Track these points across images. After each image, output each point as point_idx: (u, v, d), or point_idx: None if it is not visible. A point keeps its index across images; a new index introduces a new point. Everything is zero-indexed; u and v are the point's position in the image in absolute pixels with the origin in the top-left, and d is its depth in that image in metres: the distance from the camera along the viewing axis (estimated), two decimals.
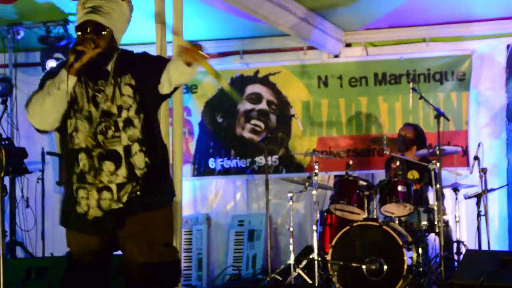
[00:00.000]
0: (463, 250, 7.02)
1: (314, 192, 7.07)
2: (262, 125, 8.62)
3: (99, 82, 3.63)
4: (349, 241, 6.60)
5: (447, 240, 7.06)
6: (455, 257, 7.06)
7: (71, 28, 7.64)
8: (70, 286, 3.75)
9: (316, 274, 6.79)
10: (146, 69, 3.65)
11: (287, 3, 7.09)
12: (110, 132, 3.59)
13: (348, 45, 8.57)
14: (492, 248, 7.08)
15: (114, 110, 3.60)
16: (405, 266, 6.39)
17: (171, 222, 3.81)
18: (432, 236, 7.13)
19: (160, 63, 3.65)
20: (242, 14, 7.09)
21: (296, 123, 8.04)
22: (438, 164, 6.80)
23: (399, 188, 6.78)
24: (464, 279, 5.54)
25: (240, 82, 8.67)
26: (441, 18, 8.05)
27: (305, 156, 8.04)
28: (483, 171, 6.92)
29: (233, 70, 8.71)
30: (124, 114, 3.60)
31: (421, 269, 6.64)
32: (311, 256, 6.99)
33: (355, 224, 6.63)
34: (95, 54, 3.55)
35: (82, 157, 3.63)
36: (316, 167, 7.10)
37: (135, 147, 3.61)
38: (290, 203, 7.42)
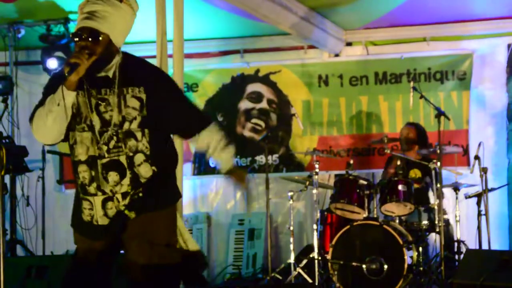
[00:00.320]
0: (463, 249, 7.02)
1: (314, 191, 7.07)
2: (263, 124, 8.62)
3: (102, 91, 3.60)
4: (350, 241, 6.60)
5: (448, 239, 7.06)
6: (456, 256, 7.06)
7: (72, 26, 7.64)
8: (72, 283, 3.75)
9: (316, 273, 6.79)
10: (164, 99, 3.65)
11: (288, 2, 7.10)
12: (112, 142, 3.57)
13: (349, 44, 8.57)
14: (493, 247, 7.07)
15: (117, 120, 3.57)
16: (406, 266, 6.39)
17: (173, 223, 3.78)
18: (432, 235, 7.13)
19: (180, 101, 3.73)
20: (243, 13, 7.09)
21: (297, 122, 8.04)
22: (438, 164, 6.80)
23: (400, 187, 6.78)
24: (465, 278, 5.54)
25: (240, 81, 8.68)
26: (442, 17, 8.05)
27: (305, 155, 8.04)
28: (484, 170, 6.91)
29: (234, 69, 8.71)
30: (126, 125, 3.57)
31: (421, 268, 6.64)
32: (311, 255, 6.99)
33: (355, 224, 6.63)
34: (92, 62, 3.52)
35: (81, 169, 3.62)
36: (317, 166, 7.10)
37: (139, 157, 3.60)
38: (291, 202, 7.42)
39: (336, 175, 8.04)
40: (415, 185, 6.93)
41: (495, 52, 8.10)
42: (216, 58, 8.80)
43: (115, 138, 3.57)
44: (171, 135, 3.81)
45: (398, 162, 6.98)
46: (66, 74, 3.46)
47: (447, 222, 7.23)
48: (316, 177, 7.07)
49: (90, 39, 3.54)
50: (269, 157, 8.31)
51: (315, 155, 7.32)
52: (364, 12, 7.82)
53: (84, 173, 3.61)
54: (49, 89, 3.63)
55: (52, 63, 7.62)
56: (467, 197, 7.19)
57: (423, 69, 8.23)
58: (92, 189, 3.60)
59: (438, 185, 6.79)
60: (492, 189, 7.20)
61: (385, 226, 6.51)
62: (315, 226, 7.01)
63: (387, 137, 7.21)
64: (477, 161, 6.89)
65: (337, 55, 8.57)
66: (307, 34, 7.79)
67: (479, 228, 7.02)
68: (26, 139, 7.89)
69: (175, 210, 3.81)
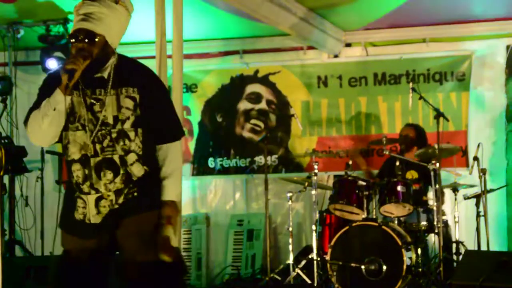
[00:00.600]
0: (462, 250, 7.02)
1: (313, 192, 7.07)
2: (262, 125, 8.62)
3: (97, 91, 3.64)
4: (348, 241, 6.60)
5: (446, 240, 7.06)
6: (454, 257, 7.06)
7: (71, 26, 7.62)
8: (64, 283, 3.75)
9: (315, 274, 6.79)
10: (153, 98, 3.68)
11: (287, 3, 7.10)
12: (106, 141, 3.61)
13: (348, 45, 8.57)
14: (491, 248, 7.07)
15: (110, 120, 3.61)
16: (404, 267, 6.39)
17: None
18: (431, 236, 7.13)
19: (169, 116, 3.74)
20: (242, 13, 7.09)
21: (296, 123, 8.05)
22: (437, 164, 6.80)
23: (399, 188, 6.78)
24: (463, 279, 5.54)
25: (240, 81, 8.68)
26: (441, 19, 8.05)
27: (304, 156, 8.04)
28: (483, 171, 6.92)
29: (233, 70, 8.71)
30: (119, 125, 3.61)
31: (420, 269, 6.64)
32: (310, 256, 6.99)
33: (354, 224, 6.63)
34: (89, 63, 3.56)
35: (75, 168, 3.65)
36: (316, 167, 7.10)
37: (131, 157, 3.63)
38: (290, 202, 7.42)
39: (335, 176, 8.05)
40: (414, 186, 6.93)
41: (494, 53, 8.10)
42: (215, 59, 8.80)
43: (108, 137, 3.60)
44: None
45: (397, 163, 6.98)
46: (67, 81, 3.50)
47: (446, 223, 7.23)
48: (315, 178, 7.08)
49: (86, 40, 3.59)
50: (268, 158, 8.31)
51: (314, 156, 7.32)
52: (364, 13, 7.82)
53: (77, 171, 3.64)
54: (44, 91, 3.68)
55: (51, 64, 7.62)
56: (466, 198, 7.20)
57: (422, 70, 8.23)
58: (85, 187, 3.62)
59: (437, 186, 6.79)
60: (491, 190, 7.21)
61: (384, 227, 6.51)
62: (314, 227, 7.01)
63: (386, 138, 7.21)
64: (476, 162, 6.90)
65: (336, 56, 8.57)
66: (307, 35, 7.79)
67: (478, 229, 7.02)
68: (25, 140, 7.87)
69: None
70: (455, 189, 7.19)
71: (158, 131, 3.71)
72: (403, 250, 6.41)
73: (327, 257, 6.61)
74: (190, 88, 8.76)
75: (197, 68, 8.70)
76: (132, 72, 3.69)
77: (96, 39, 3.59)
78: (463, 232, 7.55)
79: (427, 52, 8.28)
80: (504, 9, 7.73)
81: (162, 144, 3.72)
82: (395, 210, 6.85)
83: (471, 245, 7.12)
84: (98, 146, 3.60)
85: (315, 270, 6.79)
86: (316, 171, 7.09)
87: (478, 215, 7.03)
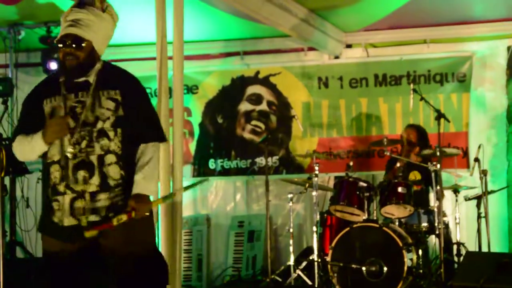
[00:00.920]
0: (463, 252, 7.01)
1: (314, 193, 7.07)
2: (263, 126, 8.62)
3: (79, 94, 3.75)
4: (349, 243, 6.60)
5: (447, 241, 7.06)
6: (455, 259, 7.05)
7: None
8: (52, 284, 3.78)
9: (316, 275, 6.79)
10: (135, 102, 3.79)
11: (288, 4, 7.10)
12: (84, 142, 3.69)
13: (349, 46, 8.57)
14: (492, 250, 7.07)
15: (91, 120, 3.71)
16: (405, 268, 6.39)
17: (152, 228, 3.93)
18: (432, 237, 7.13)
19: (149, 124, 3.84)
20: (243, 15, 7.09)
21: (297, 124, 8.05)
22: (438, 166, 6.79)
23: (399, 189, 6.78)
24: (464, 281, 5.54)
25: (240, 82, 8.68)
26: (442, 19, 8.05)
27: (305, 157, 8.04)
28: (484, 172, 6.92)
29: (234, 71, 8.71)
30: (100, 124, 3.70)
31: (421, 270, 6.64)
32: (311, 257, 6.98)
33: (355, 226, 6.63)
34: (74, 68, 3.70)
35: (54, 169, 3.74)
36: (316, 168, 7.09)
37: (110, 158, 3.70)
38: (290, 204, 7.42)
39: (336, 177, 8.05)
40: (415, 187, 6.92)
41: (495, 54, 8.10)
42: (216, 60, 8.80)
43: (87, 138, 3.69)
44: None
45: (398, 164, 6.98)
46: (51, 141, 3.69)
47: (446, 224, 7.22)
48: (316, 179, 7.07)
49: (74, 45, 3.71)
50: (269, 159, 8.31)
51: (315, 157, 7.32)
52: (364, 14, 7.82)
53: (56, 173, 3.73)
54: (33, 110, 3.82)
55: (52, 65, 7.62)
56: (467, 199, 7.20)
57: (423, 71, 8.23)
58: (61, 187, 3.71)
59: (438, 187, 6.79)
60: (492, 192, 7.21)
61: (384, 228, 6.51)
62: (314, 228, 7.00)
63: (387, 139, 7.20)
64: (477, 164, 6.90)
65: (337, 57, 8.57)
66: (307, 36, 7.79)
67: (478, 230, 7.02)
68: None
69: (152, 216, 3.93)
70: (456, 190, 7.19)
71: (138, 132, 3.78)
72: (404, 252, 6.41)
73: (328, 259, 6.61)
74: (191, 89, 8.76)
75: (198, 69, 8.70)
76: (116, 77, 3.82)
77: (83, 44, 3.71)
78: (464, 234, 7.55)
79: (428, 53, 8.28)
80: (504, 10, 7.73)
81: (146, 143, 3.79)
82: (396, 211, 6.85)
83: (472, 247, 7.12)
84: (77, 148, 3.69)
85: (316, 271, 6.79)
86: (316, 172, 7.08)
87: (479, 216, 7.03)
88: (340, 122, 8.44)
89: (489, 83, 8.14)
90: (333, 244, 6.63)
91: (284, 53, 8.68)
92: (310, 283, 6.92)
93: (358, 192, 6.87)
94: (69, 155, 3.68)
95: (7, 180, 7.18)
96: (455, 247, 7.10)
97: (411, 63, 8.27)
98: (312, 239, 7.00)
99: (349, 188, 6.93)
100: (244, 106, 8.67)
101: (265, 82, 8.63)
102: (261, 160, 8.48)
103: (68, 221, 3.69)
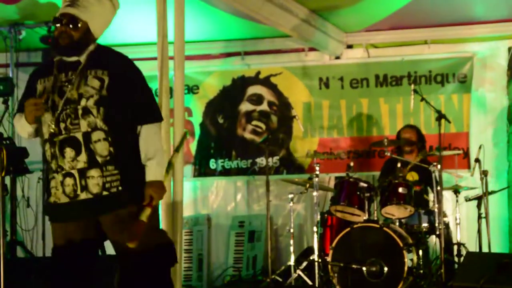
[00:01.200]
0: (463, 252, 7.01)
1: (314, 193, 7.07)
2: (263, 126, 8.62)
3: (69, 73, 3.79)
4: (350, 243, 6.60)
5: (448, 242, 7.06)
6: (456, 259, 7.05)
7: None
8: (55, 282, 3.79)
9: (317, 275, 6.79)
10: (126, 84, 3.80)
11: (289, 4, 7.10)
12: (69, 120, 3.73)
13: (350, 46, 8.58)
14: (493, 250, 7.07)
15: (76, 97, 3.74)
16: (406, 268, 6.39)
17: (155, 211, 3.88)
18: (432, 238, 7.12)
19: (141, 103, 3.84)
20: (244, 15, 7.09)
21: (297, 124, 8.05)
22: (439, 166, 6.79)
23: (400, 190, 6.78)
24: (465, 281, 5.55)
25: (241, 83, 8.68)
26: (443, 20, 8.05)
27: (306, 157, 8.04)
28: (484, 173, 6.92)
29: (235, 71, 8.71)
30: (83, 102, 3.72)
31: (421, 271, 6.64)
32: (311, 258, 6.98)
33: (355, 226, 6.63)
34: (68, 47, 3.76)
35: (47, 147, 3.79)
36: (317, 168, 7.09)
37: (97, 134, 3.72)
38: (291, 204, 7.42)
39: (336, 178, 8.05)
40: (415, 188, 6.92)
41: (496, 55, 8.10)
42: (217, 60, 8.80)
43: (72, 115, 3.72)
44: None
45: (399, 165, 6.98)
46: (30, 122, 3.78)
47: (447, 224, 7.22)
48: (317, 179, 7.07)
49: (70, 25, 3.76)
50: (270, 159, 8.31)
51: (316, 157, 7.32)
52: (365, 15, 7.82)
53: (48, 151, 3.79)
54: (28, 89, 3.92)
55: None
56: (468, 200, 7.20)
57: (424, 72, 8.22)
58: (53, 166, 3.76)
59: (438, 188, 6.79)
60: (493, 192, 7.21)
61: (385, 229, 6.51)
62: (315, 228, 7.00)
63: (388, 139, 7.21)
64: (477, 164, 6.91)
65: (338, 57, 8.57)
66: (308, 36, 7.79)
67: (479, 231, 7.02)
68: (26, 141, 7.88)
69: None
70: (456, 191, 7.19)
71: (133, 112, 3.79)
72: (404, 252, 6.41)
73: (328, 259, 6.61)
74: (192, 89, 8.76)
75: (199, 69, 8.70)
76: (107, 58, 3.85)
77: (79, 25, 3.76)
78: (465, 234, 7.55)
79: (429, 53, 8.28)
80: (505, 10, 7.73)
81: (138, 124, 3.80)
82: (397, 212, 6.85)
83: (473, 247, 7.12)
84: (62, 125, 3.73)
85: (316, 271, 6.79)
86: (317, 172, 7.08)
87: (479, 217, 7.03)
88: (340, 123, 8.45)
89: (489, 83, 8.14)
90: (333, 244, 6.63)
91: (284, 53, 8.68)
92: (310, 283, 6.93)
93: (358, 193, 6.87)
94: (52, 130, 3.73)
95: (7, 180, 7.19)
96: (455, 247, 7.11)
97: (412, 63, 8.27)
98: (313, 239, 6.99)
99: (349, 188, 6.93)
100: (245, 106, 8.67)
101: (266, 82, 8.64)
102: (261, 160, 8.48)
103: (62, 199, 3.74)
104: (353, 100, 8.41)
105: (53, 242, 3.86)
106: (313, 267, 6.86)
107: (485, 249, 6.94)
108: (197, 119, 8.78)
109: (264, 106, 8.63)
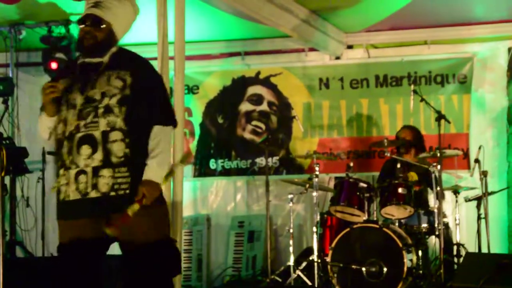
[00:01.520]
0: (463, 252, 7.01)
1: (314, 193, 7.06)
2: (263, 126, 8.62)
3: (92, 73, 3.81)
4: (349, 243, 6.60)
5: (447, 242, 7.05)
6: (455, 259, 7.05)
7: (73, 28, 7.65)
8: (62, 281, 3.79)
9: (316, 276, 6.78)
10: (145, 84, 3.81)
11: (289, 4, 7.10)
12: (89, 118, 3.74)
13: (350, 47, 8.58)
14: (492, 251, 7.07)
15: (98, 96, 3.75)
16: (405, 269, 6.39)
17: (165, 216, 3.90)
18: (432, 238, 7.12)
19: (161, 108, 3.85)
20: (244, 15, 7.10)
21: (297, 125, 8.05)
22: (438, 167, 6.79)
23: (400, 190, 6.77)
24: (464, 282, 5.54)
25: (241, 83, 8.68)
26: (443, 21, 8.05)
27: (305, 157, 8.04)
28: (484, 174, 6.92)
29: (235, 71, 8.72)
30: (106, 101, 3.74)
31: (421, 271, 6.64)
32: (311, 258, 6.98)
33: (355, 226, 6.63)
34: (91, 47, 3.80)
35: (65, 144, 3.79)
36: (317, 168, 7.09)
37: (115, 135, 3.72)
38: (290, 204, 7.42)
39: (336, 178, 8.05)
40: (415, 188, 6.92)
41: (495, 56, 8.10)
42: (217, 60, 8.81)
43: (93, 113, 3.73)
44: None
45: (398, 165, 6.98)
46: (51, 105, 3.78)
47: (446, 225, 7.22)
48: (316, 179, 7.07)
49: (93, 25, 3.80)
50: (269, 160, 8.31)
51: (315, 158, 7.31)
52: (365, 15, 7.82)
53: (65, 148, 3.78)
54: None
55: (53, 65, 7.63)
56: (467, 200, 7.19)
57: (424, 72, 8.23)
58: (68, 162, 3.76)
59: (438, 188, 6.79)
60: (492, 193, 7.21)
61: (384, 229, 6.51)
62: (315, 229, 7.00)
63: (388, 140, 7.20)
64: (477, 165, 6.91)
65: (338, 57, 8.57)
66: (308, 36, 7.79)
67: (478, 231, 7.02)
68: (26, 141, 7.90)
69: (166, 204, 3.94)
70: (456, 191, 7.19)
71: (149, 113, 3.79)
72: (404, 252, 6.41)
73: (328, 259, 6.61)
74: (192, 89, 8.76)
75: (199, 69, 8.71)
76: (128, 59, 3.88)
77: (103, 26, 3.80)
78: (464, 234, 7.54)
79: (429, 54, 8.28)
80: (505, 11, 7.73)
81: (153, 125, 3.79)
82: (396, 212, 6.85)
83: (472, 248, 7.11)
84: (81, 123, 3.74)
85: (316, 272, 6.79)
86: (317, 172, 7.07)
87: (479, 218, 7.03)
88: (340, 123, 8.45)
89: (489, 84, 8.14)
90: (333, 245, 6.63)
91: (285, 53, 8.69)
92: (310, 283, 6.92)
93: (358, 193, 6.87)
94: (72, 128, 3.73)
95: (7, 180, 7.19)
96: (455, 248, 7.10)
97: (412, 64, 8.27)
98: (312, 240, 6.99)
99: (349, 188, 6.93)
100: (245, 107, 8.67)
101: (266, 82, 8.64)
102: (261, 161, 8.48)
103: (73, 195, 3.73)
104: (353, 101, 8.42)
105: (59, 240, 3.84)
106: (313, 267, 6.86)
107: (484, 250, 6.94)
108: (197, 119, 8.79)
109: (264, 106, 8.64)
